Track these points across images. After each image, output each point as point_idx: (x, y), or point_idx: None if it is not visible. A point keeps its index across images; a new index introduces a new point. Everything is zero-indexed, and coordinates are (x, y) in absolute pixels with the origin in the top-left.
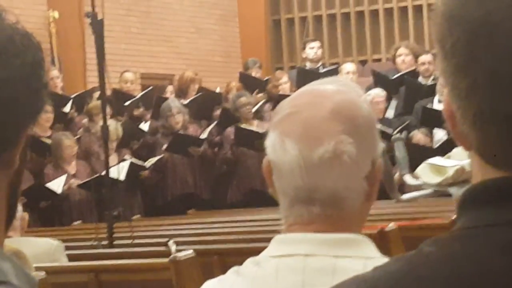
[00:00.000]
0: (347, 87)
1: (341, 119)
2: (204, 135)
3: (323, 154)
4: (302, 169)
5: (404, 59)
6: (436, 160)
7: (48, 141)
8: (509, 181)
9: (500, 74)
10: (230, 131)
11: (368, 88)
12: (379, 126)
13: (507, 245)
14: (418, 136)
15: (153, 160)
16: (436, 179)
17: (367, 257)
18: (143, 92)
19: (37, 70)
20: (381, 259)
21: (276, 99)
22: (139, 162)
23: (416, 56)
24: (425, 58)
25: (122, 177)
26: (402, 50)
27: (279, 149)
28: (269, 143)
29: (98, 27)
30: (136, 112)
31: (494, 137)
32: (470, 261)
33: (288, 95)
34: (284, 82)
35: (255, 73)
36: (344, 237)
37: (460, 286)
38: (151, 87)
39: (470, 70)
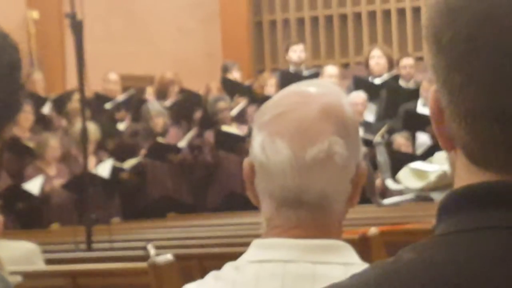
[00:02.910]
0: (330, 89)
1: (331, 120)
2: (183, 143)
3: (316, 154)
4: (293, 169)
5: (378, 62)
6: (418, 165)
7: (28, 142)
8: (498, 185)
9: (502, 71)
10: (210, 134)
11: (348, 90)
12: (360, 130)
13: (488, 252)
14: (399, 140)
15: (131, 161)
16: (418, 184)
17: (348, 263)
18: (125, 96)
19: (13, 71)
20: (362, 266)
21: (259, 101)
22: (117, 164)
23: (389, 60)
24: (406, 61)
25: (106, 175)
26: (376, 52)
27: (269, 149)
28: (257, 144)
29: (77, 28)
30: (118, 115)
31: (485, 136)
32: (450, 268)
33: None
34: (271, 84)
35: (234, 75)
36: (325, 243)
37: None
38: (132, 90)
39: (467, 65)
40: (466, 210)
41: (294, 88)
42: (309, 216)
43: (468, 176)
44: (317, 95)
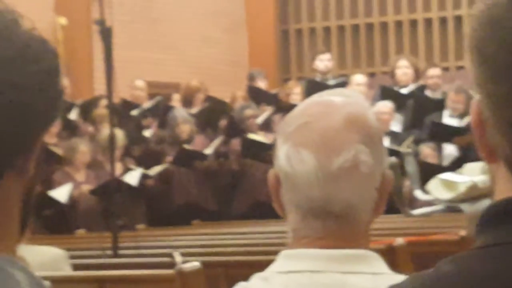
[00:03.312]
0: (353, 99)
1: (356, 129)
2: (209, 151)
3: (342, 163)
4: (319, 179)
5: (405, 72)
6: (448, 175)
7: (55, 148)
8: None
9: None
10: (236, 142)
11: (374, 100)
12: (387, 140)
13: None
14: (426, 150)
15: (157, 168)
16: (447, 195)
17: (377, 273)
18: (151, 103)
19: (53, 77)
20: (391, 275)
21: (285, 110)
22: (143, 171)
23: (416, 70)
24: (433, 71)
25: (134, 183)
26: (403, 62)
27: (295, 160)
28: (282, 154)
29: (106, 35)
30: (144, 122)
31: None
32: (489, 281)
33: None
34: (296, 92)
35: (260, 83)
36: (353, 253)
37: None
38: (159, 98)
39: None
40: (506, 223)
41: (317, 98)
42: (335, 226)
43: (509, 188)
44: (341, 105)
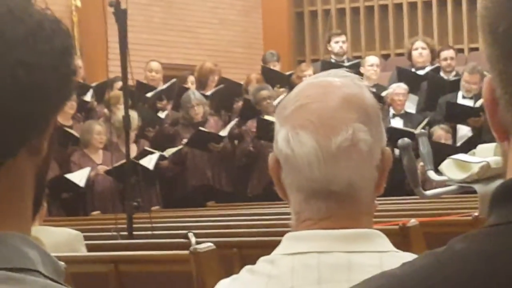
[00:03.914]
0: (349, 79)
1: (353, 108)
2: (224, 133)
3: (341, 142)
4: (320, 159)
5: (421, 53)
6: (461, 156)
7: (71, 130)
8: None
9: None
10: (252, 124)
11: (391, 81)
12: (399, 122)
13: None
14: (439, 132)
15: (172, 150)
16: (461, 175)
17: (382, 251)
18: (166, 85)
19: (66, 56)
20: (396, 253)
21: None
22: (159, 152)
23: (432, 51)
24: (447, 53)
25: (151, 167)
26: (419, 44)
27: (294, 142)
28: (281, 138)
29: (121, 16)
30: (159, 104)
31: None
32: (500, 259)
33: None
34: (308, 74)
35: (273, 66)
36: (357, 232)
37: (491, 286)
38: (174, 80)
39: None
40: None
41: (313, 79)
42: (337, 206)
43: None
44: (337, 85)
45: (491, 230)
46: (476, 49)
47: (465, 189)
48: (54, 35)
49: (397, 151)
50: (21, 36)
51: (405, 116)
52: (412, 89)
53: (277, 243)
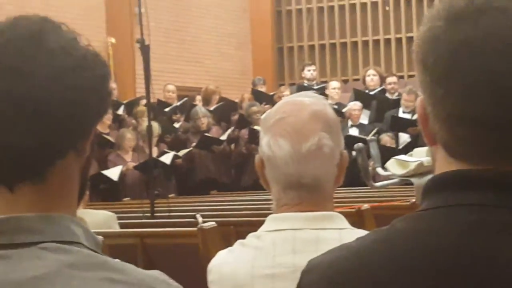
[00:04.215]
0: (316, 98)
1: (319, 121)
2: (223, 137)
3: (309, 147)
4: (293, 160)
5: (372, 78)
6: (402, 157)
7: (108, 137)
8: (466, 173)
9: (472, 87)
10: (245, 132)
11: (349, 100)
12: (355, 131)
13: (462, 223)
14: (385, 138)
15: (184, 151)
16: (401, 171)
17: (341, 228)
18: (180, 103)
19: (104, 81)
20: (351, 230)
21: None
22: (174, 153)
23: (380, 77)
24: (391, 79)
25: (168, 162)
26: (370, 72)
27: (274, 147)
28: (264, 143)
29: (145, 50)
30: (174, 117)
31: (460, 135)
32: (430, 235)
33: None
34: (286, 94)
35: (260, 88)
36: (322, 214)
37: (423, 257)
38: (185, 98)
39: (446, 81)
40: (443, 191)
41: (289, 99)
42: (307, 195)
43: (446, 165)
44: (307, 103)
45: (423, 213)
46: (413, 76)
47: (404, 181)
48: (95, 65)
49: (353, 153)
50: (70, 66)
51: (360, 126)
52: (365, 106)
53: (263, 222)
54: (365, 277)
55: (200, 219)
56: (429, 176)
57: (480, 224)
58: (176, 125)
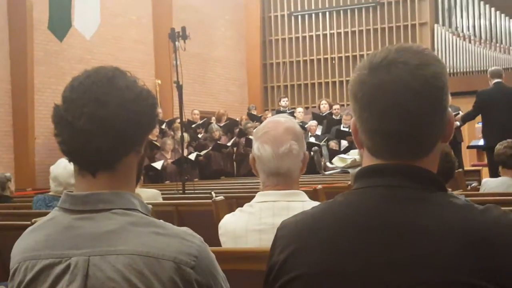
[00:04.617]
0: (288, 118)
1: (290, 133)
2: (229, 144)
3: (284, 150)
4: (274, 158)
5: (324, 106)
6: (342, 155)
7: (155, 142)
8: (380, 165)
9: (384, 112)
10: (243, 140)
11: (309, 120)
12: (313, 139)
13: (375, 197)
14: (332, 144)
15: (204, 152)
16: (342, 164)
17: (304, 201)
18: (201, 121)
19: (154, 107)
20: (311, 202)
21: None
22: (198, 153)
23: (329, 105)
24: (336, 106)
25: (193, 158)
26: (323, 102)
27: (261, 149)
28: (255, 147)
29: (179, 88)
30: (198, 130)
31: (377, 142)
32: (357, 206)
33: None
34: (269, 116)
35: (253, 112)
36: (292, 192)
37: (354, 219)
38: (205, 119)
39: (369, 108)
40: (366, 178)
41: (271, 119)
42: (283, 180)
43: (369, 161)
44: (282, 121)
45: (355, 191)
46: (348, 104)
47: (344, 171)
48: (148, 97)
49: (312, 153)
50: (132, 98)
51: (316, 136)
52: (319, 123)
53: (254, 197)
54: (317, 231)
55: (214, 195)
56: (359, 168)
57: (390, 197)
58: (199, 135)
